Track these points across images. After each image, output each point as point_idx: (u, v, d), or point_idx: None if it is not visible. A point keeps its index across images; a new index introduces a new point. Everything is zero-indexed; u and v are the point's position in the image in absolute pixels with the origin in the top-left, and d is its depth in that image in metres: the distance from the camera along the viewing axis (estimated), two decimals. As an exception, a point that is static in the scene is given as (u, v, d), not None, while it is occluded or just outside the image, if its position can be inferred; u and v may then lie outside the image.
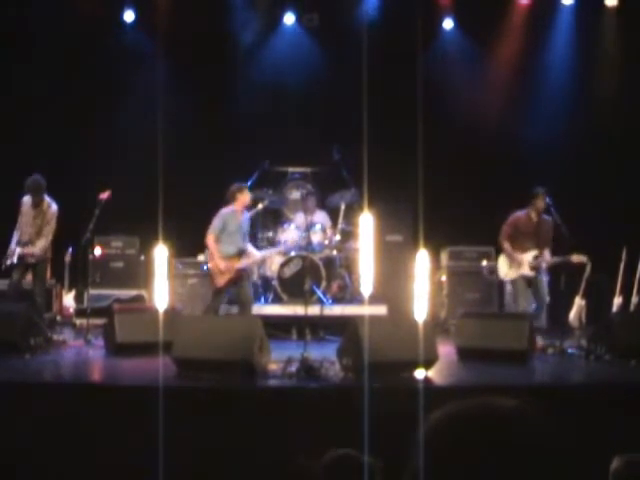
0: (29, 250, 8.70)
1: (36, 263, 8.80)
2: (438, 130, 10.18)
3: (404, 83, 10.17)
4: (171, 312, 8.16)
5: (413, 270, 8.57)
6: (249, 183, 9.56)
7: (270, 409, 5.86)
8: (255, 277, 9.94)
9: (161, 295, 8.58)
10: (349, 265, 10.36)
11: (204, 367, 6.45)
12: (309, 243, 9.20)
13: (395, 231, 10.76)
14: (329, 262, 9.99)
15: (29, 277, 8.95)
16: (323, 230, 10.09)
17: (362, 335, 6.45)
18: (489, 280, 10.31)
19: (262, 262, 9.92)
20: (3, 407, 5.75)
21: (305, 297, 8.05)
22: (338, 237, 10.22)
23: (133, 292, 10.41)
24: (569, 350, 8.11)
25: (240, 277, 8.81)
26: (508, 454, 1.12)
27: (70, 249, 10.04)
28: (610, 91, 11.22)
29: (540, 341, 8.20)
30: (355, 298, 10.00)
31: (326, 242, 10.07)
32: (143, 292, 10.36)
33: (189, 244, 10.34)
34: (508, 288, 9.70)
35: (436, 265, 10.51)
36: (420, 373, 6.49)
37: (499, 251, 9.34)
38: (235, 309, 9.31)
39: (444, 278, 10.63)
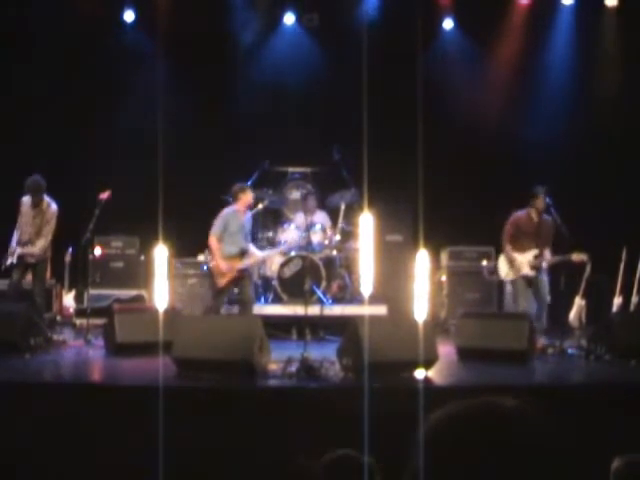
0: (29, 250, 8.70)
1: (36, 263, 8.80)
2: (438, 130, 10.18)
3: (404, 83, 10.17)
4: (171, 312, 8.16)
5: (413, 270, 8.57)
6: (249, 183, 9.56)
7: (270, 409, 5.86)
8: (255, 277, 9.94)
9: (161, 295, 8.58)
10: (349, 265, 10.36)
11: (204, 367, 6.45)
12: (309, 243, 9.21)
13: (395, 231, 10.76)
14: (329, 262, 9.99)
15: (29, 277, 8.95)
16: (323, 230, 10.09)
17: (362, 335, 6.45)
18: (489, 280, 10.31)
19: (263, 262, 9.92)
20: (3, 407, 5.75)
21: (305, 297, 8.05)
22: (338, 237, 10.22)
23: (133, 292, 10.41)
24: (569, 350, 8.11)
25: (242, 277, 8.82)
26: (508, 454, 1.12)
27: (70, 249, 10.04)
28: (610, 91, 11.22)
29: (540, 341, 8.20)
30: (355, 298, 10.00)
31: (326, 242, 10.07)
32: (143, 292, 10.36)
33: (189, 244, 10.34)
34: (508, 288, 9.70)
35: (436, 265, 10.51)
36: (420, 373, 6.49)
37: (499, 251, 9.34)
38: (236, 309, 9.32)
39: (444, 278, 10.63)
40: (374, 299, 9.34)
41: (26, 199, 8.82)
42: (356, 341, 6.55)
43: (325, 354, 7.01)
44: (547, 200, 8.72)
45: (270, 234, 10.29)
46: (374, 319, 7.49)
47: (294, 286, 9.50)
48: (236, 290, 9.04)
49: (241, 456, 5.45)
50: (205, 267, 10.39)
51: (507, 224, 9.01)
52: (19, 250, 8.68)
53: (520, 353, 7.39)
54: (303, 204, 10.49)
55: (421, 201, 7.95)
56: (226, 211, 8.91)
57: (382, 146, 9.06)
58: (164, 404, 4.99)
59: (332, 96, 11.08)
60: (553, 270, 8.85)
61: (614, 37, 11.42)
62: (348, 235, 10.35)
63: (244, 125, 11.04)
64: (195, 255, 10.57)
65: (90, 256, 10.08)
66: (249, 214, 9.10)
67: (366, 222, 8.81)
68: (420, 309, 8.08)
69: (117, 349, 7.77)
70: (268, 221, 10.60)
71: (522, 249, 8.88)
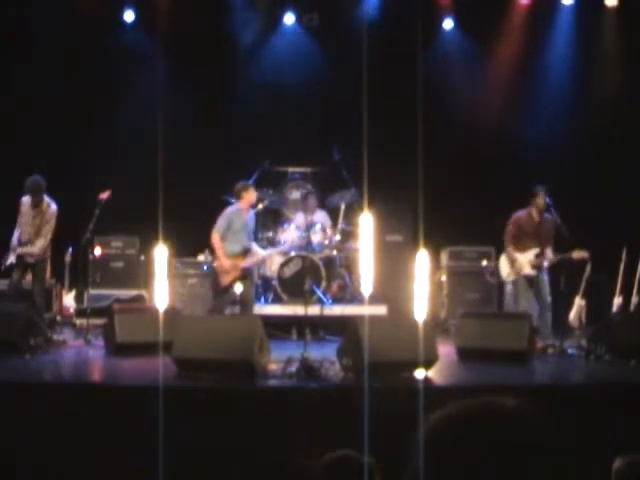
0: (28, 250, 8.70)
1: (35, 263, 8.80)
2: (438, 130, 10.18)
3: (404, 83, 10.17)
4: (171, 312, 8.15)
5: (413, 270, 8.57)
6: (250, 182, 9.56)
7: (270, 409, 5.86)
8: (255, 277, 9.94)
9: (161, 295, 8.58)
10: (349, 265, 10.36)
11: (204, 367, 6.45)
12: (309, 243, 9.21)
13: (395, 231, 10.76)
14: (329, 262, 9.99)
15: (29, 277, 8.95)
16: (323, 230, 10.09)
17: (362, 335, 6.45)
18: (490, 281, 10.30)
19: (265, 261, 9.93)
20: (3, 407, 5.75)
21: (305, 297, 8.05)
22: (338, 237, 10.22)
23: (133, 292, 10.41)
24: (569, 350, 8.11)
25: (244, 276, 8.84)
26: (508, 454, 1.12)
27: (70, 249, 10.04)
28: (610, 91, 11.22)
29: (541, 341, 8.20)
30: (355, 298, 10.00)
31: (326, 242, 10.07)
32: (143, 292, 10.36)
33: (189, 244, 10.35)
34: (508, 288, 9.69)
35: (436, 265, 10.51)
36: (420, 373, 6.49)
37: (499, 251, 9.34)
38: (236, 309, 9.31)
39: (444, 278, 10.63)
40: (374, 299, 9.34)
41: (26, 199, 8.82)
42: (356, 341, 6.55)
43: (325, 354, 7.01)
44: (547, 200, 8.72)
45: (270, 234, 10.29)
46: (374, 319, 7.49)
47: (294, 286, 9.50)
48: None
49: (241, 456, 5.44)
50: (205, 267, 10.40)
51: (509, 224, 9.01)
52: (19, 250, 8.69)
53: (520, 353, 7.39)
54: (303, 203, 10.50)
55: (421, 201, 7.95)
56: (230, 209, 8.93)
57: (382, 146, 9.06)
58: (164, 404, 4.99)
59: (332, 96, 11.08)
60: (553, 270, 8.85)
61: (614, 37, 11.42)
62: (348, 235, 10.35)
63: (244, 125, 11.04)
64: (195, 255, 10.58)
65: (90, 256, 10.08)
66: (252, 213, 9.12)
67: (366, 222, 8.81)
68: (420, 309, 8.07)
69: (117, 349, 7.77)
70: (268, 221, 10.60)
71: (524, 249, 8.88)
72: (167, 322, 7.26)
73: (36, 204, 8.75)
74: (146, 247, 10.09)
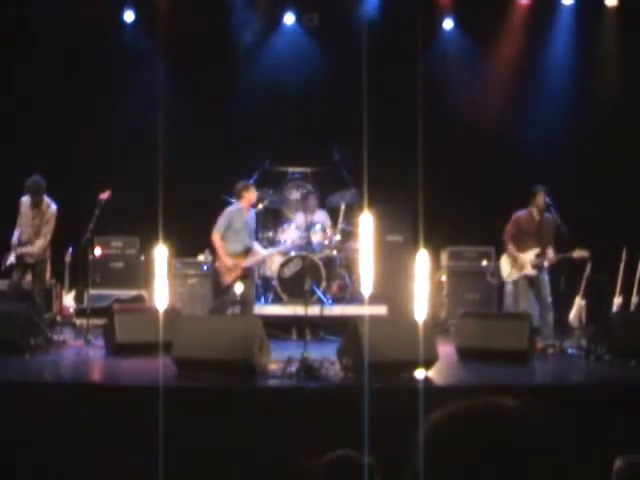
0: (27, 250, 8.70)
1: (35, 263, 8.80)
2: (438, 130, 10.18)
3: (404, 83, 10.17)
4: (171, 312, 8.15)
5: (413, 270, 8.57)
6: (251, 181, 9.56)
7: (270, 409, 5.86)
8: (255, 277, 9.94)
9: (161, 295, 8.58)
10: (349, 265, 10.36)
11: (204, 367, 6.45)
12: (309, 243, 9.21)
13: (395, 231, 10.75)
14: (329, 262, 9.99)
15: (29, 277, 8.95)
16: (323, 230, 10.09)
17: (362, 335, 6.45)
18: (490, 281, 10.29)
19: (266, 260, 9.92)
20: (3, 407, 5.75)
21: (305, 297, 8.05)
22: (338, 237, 10.21)
23: (133, 292, 10.41)
24: (569, 350, 8.10)
25: (245, 275, 8.84)
26: (508, 454, 1.12)
27: (70, 249, 10.04)
28: (610, 91, 11.22)
29: (541, 341, 8.19)
30: (355, 298, 10.00)
31: (326, 242, 10.07)
32: (143, 292, 10.35)
33: (189, 244, 10.35)
34: (509, 288, 9.69)
35: (436, 265, 10.51)
36: (420, 373, 6.49)
37: (500, 252, 9.33)
38: (236, 309, 9.30)
39: (444, 278, 10.63)
40: (374, 299, 9.34)
41: (25, 199, 8.82)
42: (356, 341, 6.55)
43: (325, 354, 7.01)
44: (547, 200, 8.72)
45: (270, 234, 10.29)
46: (374, 319, 7.49)
47: (294, 286, 9.50)
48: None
49: (241, 456, 5.45)
50: (205, 267, 10.40)
51: (508, 225, 9.00)
52: (18, 250, 8.69)
53: (520, 353, 7.39)
54: (303, 203, 10.50)
55: (421, 201, 7.94)
56: (230, 209, 8.94)
57: (382, 146, 9.05)
58: (164, 404, 4.99)
59: (332, 96, 11.08)
60: (553, 270, 8.84)
61: (614, 37, 11.42)
62: (348, 235, 10.35)
63: (244, 125, 11.04)
64: (195, 255, 10.58)
65: (90, 256, 10.08)
66: (253, 212, 9.12)
67: (366, 222, 8.80)
68: (420, 309, 8.07)
69: (117, 349, 7.77)
70: (268, 221, 10.60)
71: (524, 248, 8.87)
72: (167, 322, 7.26)
73: (36, 204, 8.75)
74: (146, 247, 10.09)
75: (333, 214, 10.52)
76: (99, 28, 11.07)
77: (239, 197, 8.93)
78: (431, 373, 6.68)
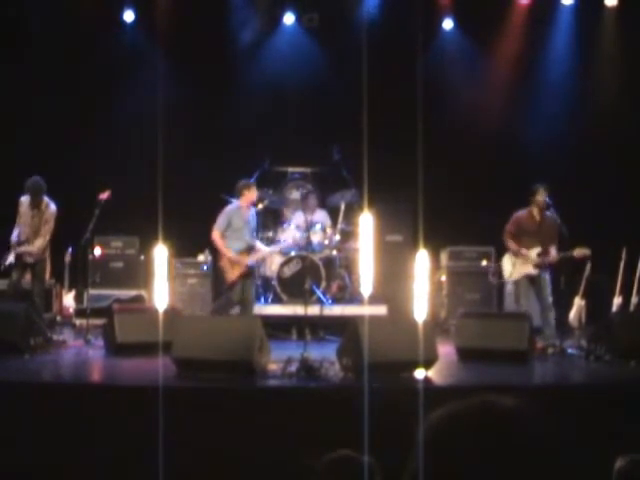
0: (27, 249, 8.70)
1: (34, 263, 8.80)
2: (438, 130, 10.18)
3: (404, 83, 10.16)
4: (171, 312, 8.15)
5: (413, 270, 8.57)
6: (252, 180, 9.56)
7: (270, 409, 5.86)
8: (255, 277, 9.94)
9: (161, 295, 8.58)
10: (349, 265, 10.36)
11: (204, 367, 6.45)
12: (309, 243, 9.21)
13: (395, 231, 10.76)
14: (329, 262, 9.99)
15: (28, 277, 8.94)
16: (323, 230, 10.09)
17: (362, 335, 6.44)
18: (492, 281, 10.28)
19: (267, 258, 9.92)
20: (3, 407, 5.75)
21: (305, 297, 8.05)
22: (338, 237, 10.21)
23: (133, 292, 10.41)
24: (569, 350, 8.10)
25: (249, 273, 8.85)
26: (508, 454, 1.12)
27: (70, 249, 10.04)
28: (610, 91, 11.22)
29: (540, 341, 8.19)
30: (355, 298, 10.00)
31: (326, 242, 10.07)
32: (143, 292, 10.35)
33: (189, 244, 10.35)
34: (509, 288, 9.68)
35: (436, 265, 10.51)
36: (420, 373, 6.49)
37: (501, 252, 9.30)
38: (237, 309, 9.31)
39: (444, 278, 10.63)
40: (374, 299, 9.34)
41: (24, 199, 8.82)
42: (356, 341, 6.55)
43: (325, 354, 7.00)
44: (547, 200, 8.69)
45: (270, 234, 10.29)
46: (374, 319, 7.49)
47: (294, 286, 9.50)
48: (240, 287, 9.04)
49: (241, 456, 5.44)
50: (205, 267, 10.40)
51: (508, 224, 8.97)
52: (17, 249, 8.69)
53: (520, 353, 7.39)
54: (304, 203, 10.50)
55: (421, 201, 7.93)
56: (229, 207, 8.95)
57: (382, 146, 9.05)
58: (164, 404, 4.99)
59: (332, 96, 11.08)
60: (554, 269, 8.83)
61: (614, 37, 11.42)
62: (348, 235, 10.35)
63: (244, 125, 11.04)
64: (195, 255, 10.58)
65: (90, 256, 10.08)
66: (253, 210, 9.11)
67: (366, 222, 8.81)
68: (420, 309, 8.08)
69: (117, 349, 7.77)
70: (268, 221, 10.60)
71: (525, 248, 8.83)
72: (167, 322, 7.26)
73: (35, 204, 8.75)
74: (146, 247, 10.09)
75: (333, 214, 10.52)
76: (99, 28, 11.07)
77: (240, 195, 8.93)
78: (431, 373, 6.68)
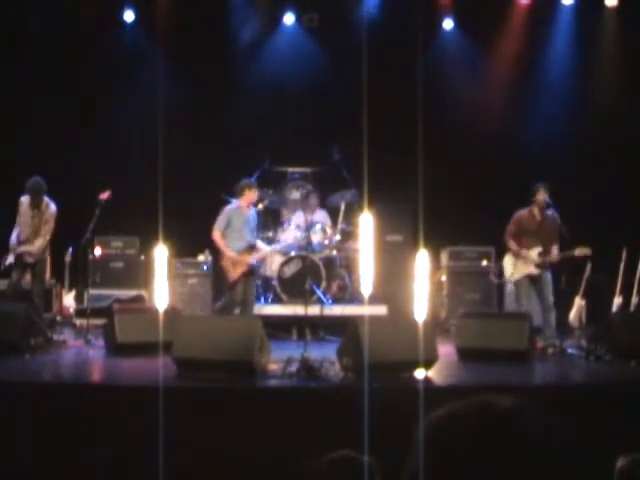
0: (27, 249, 8.70)
1: (34, 263, 8.80)
2: (438, 130, 10.18)
3: (404, 83, 10.17)
4: (171, 312, 8.15)
5: (413, 270, 8.56)
6: (253, 179, 9.56)
7: (270, 409, 5.86)
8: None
9: (161, 295, 8.58)
10: (349, 265, 10.36)
11: (204, 367, 6.45)
12: (309, 243, 9.21)
13: (395, 231, 10.76)
14: (329, 262, 9.99)
15: (28, 277, 8.94)
16: (323, 230, 10.09)
17: (362, 335, 6.44)
18: (493, 280, 10.27)
19: (268, 258, 9.92)
20: (3, 407, 5.75)
21: (305, 297, 8.05)
22: (338, 237, 10.21)
23: (133, 292, 10.41)
24: (569, 350, 8.10)
25: (251, 272, 8.85)
26: (508, 454, 1.12)
27: (70, 249, 10.04)
28: (610, 91, 11.22)
29: (541, 341, 8.18)
30: (355, 298, 10.00)
31: (326, 242, 10.07)
32: (143, 292, 10.35)
33: (189, 244, 10.34)
34: (509, 288, 9.68)
35: (436, 265, 10.51)
36: (420, 373, 6.48)
37: (502, 252, 9.29)
38: (237, 309, 9.31)
39: (444, 278, 10.63)
40: (374, 299, 9.34)
41: (24, 198, 8.82)
42: (356, 341, 6.55)
43: (325, 354, 7.00)
44: (547, 199, 8.69)
45: (270, 234, 10.29)
46: (374, 319, 7.49)
47: (294, 286, 9.50)
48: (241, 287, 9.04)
49: (241, 456, 5.44)
50: (205, 267, 10.40)
51: (509, 224, 8.96)
52: (17, 249, 8.69)
53: (520, 353, 7.39)
54: (304, 202, 10.50)
55: (421, 201, 7.93)
56: (229, 207, 8.96)
57: (382, 146, 9.05)
58: (164, 404, 4.99)
59: (332, 96, 11.08)
60: (554, 269, 8.82)
61: (614, 37, 11.42)
62: (348, 235, 10.35)
63: (244, 125, 11.04)
64: (195, 255, 10.58)
65: (90, 256, 10.08)
66: (253, 210, 9.11)
67: (366, 222, 8.80)
68: (420, 309, 8.07)
69: (117, 349, 7.77)
70: (268, 221, 10.60)
71: (525, 247, 8.82)
72: (167, 322, 7.26)
73: (36, 204, 8.75)
74: (146, 247, 10.09)
75: (333, 214, 10.52)
76: (99, 28, 11.07)
77: (241, 195, 8.93)
78: (431, 373, 6.68)
